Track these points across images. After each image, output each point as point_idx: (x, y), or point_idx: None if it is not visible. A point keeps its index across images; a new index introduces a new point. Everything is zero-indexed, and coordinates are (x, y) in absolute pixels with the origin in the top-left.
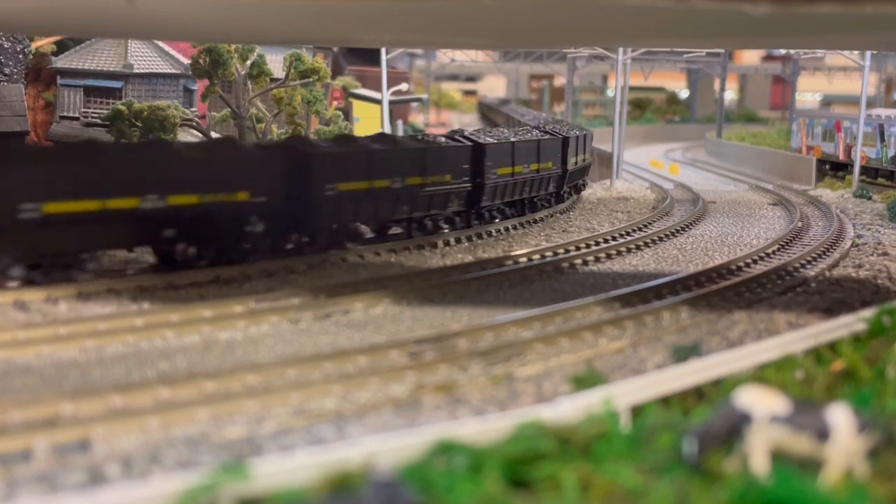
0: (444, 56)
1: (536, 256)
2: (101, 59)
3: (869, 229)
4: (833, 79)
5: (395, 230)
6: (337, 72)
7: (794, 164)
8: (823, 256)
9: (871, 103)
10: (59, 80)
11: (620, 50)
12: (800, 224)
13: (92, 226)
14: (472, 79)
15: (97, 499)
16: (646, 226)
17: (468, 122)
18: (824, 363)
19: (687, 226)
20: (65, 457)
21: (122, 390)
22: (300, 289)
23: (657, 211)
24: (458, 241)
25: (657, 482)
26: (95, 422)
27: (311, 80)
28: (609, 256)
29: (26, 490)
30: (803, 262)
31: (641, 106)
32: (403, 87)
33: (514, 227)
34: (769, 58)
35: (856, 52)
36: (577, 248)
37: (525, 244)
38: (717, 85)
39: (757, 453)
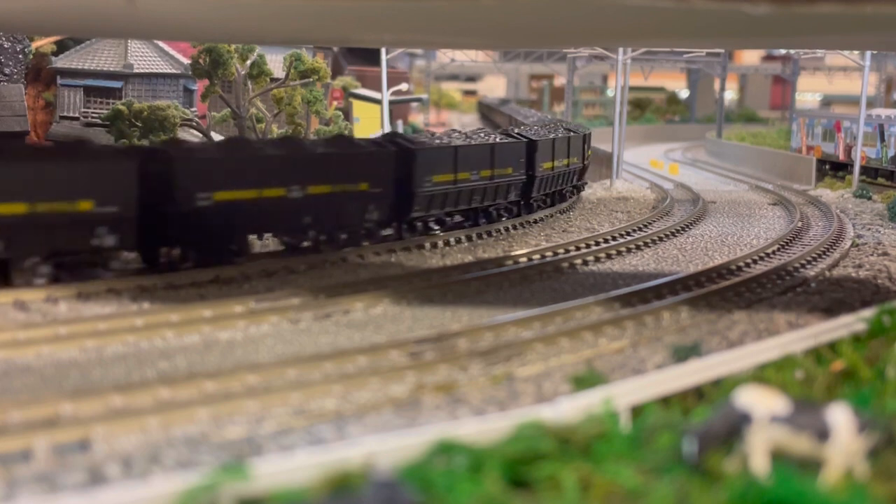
0: (444, 56)
1: (536, 256)
2: (101, 59)
3: (869, 229)
4: (833, 79)
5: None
6: (337, 72)
7: (794, 164)
8: (823, 256)
9: (871, 103)
10: (59, 80)
11: (620, 50)
12: (800, 224)
13: (249, 213)
14: (472, 79)
15: (97, 499)
16: (646, 226)
17: (468, 122)
18: (824, 363)
19: (687, 226)
20: (65, 457)
21: (122, 390)
22: (300, 289)
23: (657, 211)
24: (458, 241)
25: (657, 482)
26: (95, 422)
27: (311, 80)
28: (609, 256)
29: (26, 490)
30: (803, 262)
31: (641, 106)
32: (403, 87)
33: (514, 227)
34: (769, 58)
35: (856, 52)
36: (577, 248)
37: (525, 244)
38: (717, 85)
39: (757, 453)
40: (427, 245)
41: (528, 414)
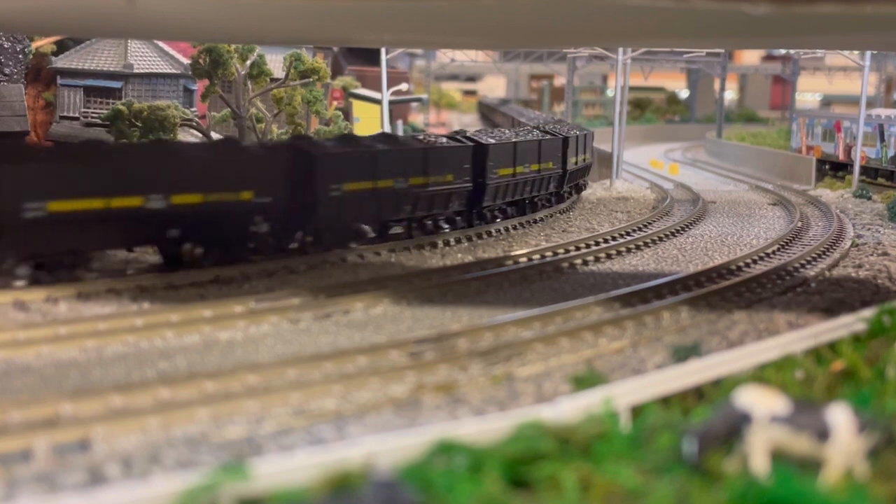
0: (444, 56)
1: (536, 256)
2: (101, 59)
3: (869, 229)
4: (833, 79)
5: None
6: (337, 72)
7: (793, 164)
8: (823, 256)
9: (871, 103)
10: (59, 80)
11: (620, 50)
12: (800, 224)
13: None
14: (472, 79)
15: (97, 499)
16: (646, 226)
17: (468, 122)
18: (824, 363)
19: (687, 226)
20: (65, 457)
21: (122, 390)
22: (300, 289)
23: (657, 211)
24: (458, 241)
25: (657, 482)
26: (95, 422)
27: (311, 80)
28: (609, 256)
29: (26, 490)
30: (803, 262)
31: (641, 106)
32: (403, 87)
33: (514, 227)
34: (769, 58)
35: (856, 52)
36: (577, 248)
37: (525, 244)
38: (717, 85)
39: (757, 453)
40: (427, 245)
41: (528, 414)
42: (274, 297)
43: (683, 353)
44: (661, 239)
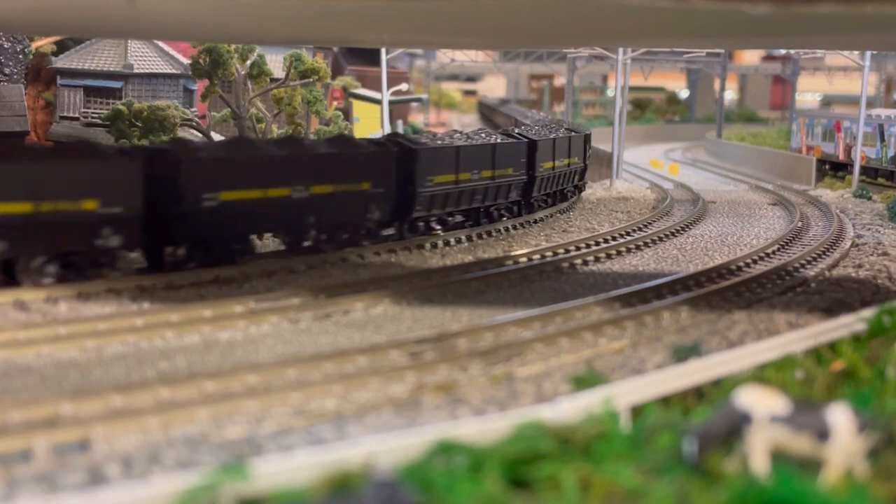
0: (444, 56)
1: (536, 256)
2: (101, 59)
3: (869, 229)
4: (833, 79)
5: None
6: (337, 72)
7: (794, 164)
8: (823, 256)
9: (871, 103)
10: (59, 80)
11: (620, 50)
12: (800, 224)
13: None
14: (472, 79)
15: (97, 499)
16: (646, 226)
17: (468, 122)
18: (824, 363)
19: (687, 226)
20: (65, 457)
21: (122, 390)
22: (300, 289)
23: (657, 211)
24: (458, 241)
25: (657, 482)
26: (95, 422)
27: (311, 80)
28: (609, 256)
29: (26, 490)
30: (803, 262)
31: (641, 106)
32: (403, 87)
33: (514, 227)
34: (769, 58)
35: (856, 52)
36: (577, 248)
37: (525, 244)
38: (717, 85)
39: (757, 453)
40: (427, 245)
41: (528, 414)
42: (274, 297)
43: (683, 353)
44: (661, 239)
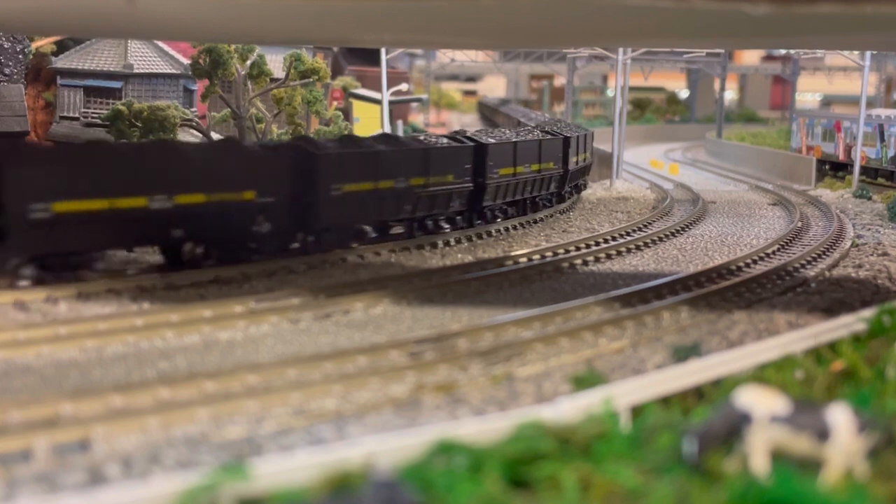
0: (444, 56)
1: (536, 256)
2: (101, 59)
3: (869, 229)
4: (833, 79)
5: None
6: (337, 72)
7: (794, 164)
8: (823, 256)
9: (871, 103)
10: (59, 80)
11: (620, 50)
12: (799, 224)
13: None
14: (472, 79)
15: (97, 499)
16: (646, 226)
17: (468, 122)
18: (824, 363)
19: (687, 226)
20: (65, 457)
21: (122, 390)
22: (300, 289)
23: (657, 211)
24: (458, 241)
25: (657, 482)
26: (95, 422)
27: (311, 80)
28: (609, 256)
29: (26, 490)
30: (803, 262)
31: (641, 106)
32: (403, 87)
33: (514, 227)
34: (769, 58)
35: (856, 52)
36: (577, 249)
37: (525, 244)
38: (717, 85)
39: (757, 453)
40: (427, 245)
41: (528, 414)
42: (274, 297)
43: (683, 353)
44: (661, 239)
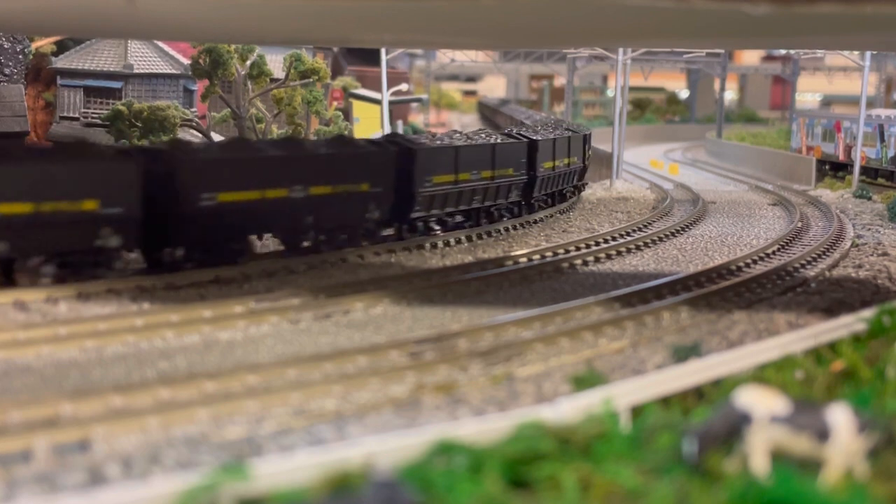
0: (444, 56)
1: (536, 257)
2: (101, 59)
3: (869, 229)
4: (833, 79)
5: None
6: (337, 72)
7: (793, 165)
8: (823, 257)
9: (871, 103)
10: (59, 81)
11: (620, 50)
12: (800, 224)
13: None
14: (472, 79)
15: (97, 499)
16: (646, 226)
17: (468, 122)
18: (824, 363)
19: (687, 226)
20: (65, 457)
21: (122, 390)
22: (300, 289)
23: (657, 211)
24: (458, 241)
25: (657, 482)
26: (95, 422)
27: (311, 80)
28: (609, 257)
29: (26, 490)
30: (803, 262)
31: (641, 106)
32: (403, 87)
33: (514, 228)
34: (769, 58)
35: (856, 52)
36: (577, 249)
37: (525, 244)
38: (717, 85)
39: (757, 453)
40: (427, 245)
41: (528, 414)
42: (274, 297)
43: (683, 354)
44: (661, 239)
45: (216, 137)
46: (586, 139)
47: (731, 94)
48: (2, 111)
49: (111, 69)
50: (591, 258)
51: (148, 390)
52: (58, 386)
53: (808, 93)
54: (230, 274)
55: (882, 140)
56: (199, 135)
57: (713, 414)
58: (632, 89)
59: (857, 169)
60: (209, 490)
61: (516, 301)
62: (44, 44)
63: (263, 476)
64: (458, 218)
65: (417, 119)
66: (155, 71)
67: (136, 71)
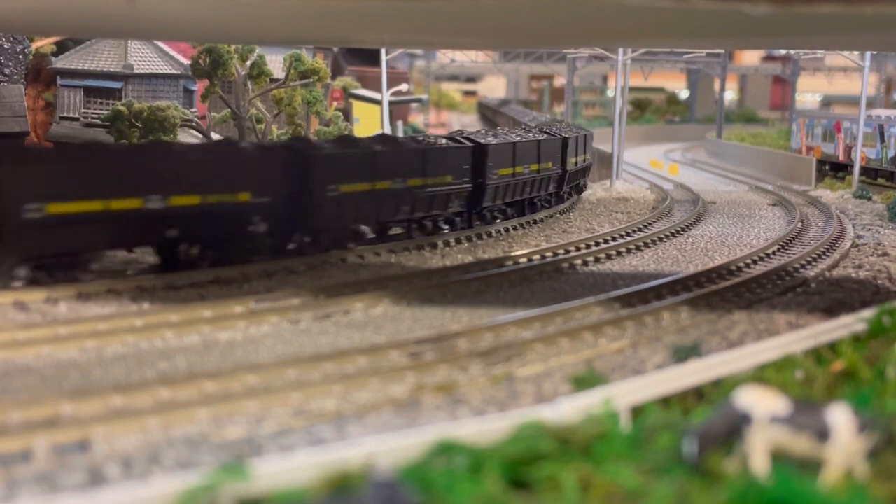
0: (444, 56)
1: (536, 257)
2: (101, 59)
3: (869, 230)
4: (833, 79)
5: None
6: (337, 72)
7: (793, 165)
8: (823, 257)
9: (871, 103)
10: (59, 81)
11: (620, 50)
12: (800, 224)
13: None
14: (472, 79)
15: (97, 499)
16: (646, 226)
17: (468, 122)
18: (824, 363)
19: (687, 226)
20: (65, 457)
21: (122, 390)
22: (300, 289)
23: (657, 211)
24: (458, 241)
25: (657, 482)
26: (95, 422)
27: (311, 80)
28: (609, 257)
29: (26, 490)
30: (803, 262)
31: (641, 106)
32: (403, 87)
33: (514, 228)
34: (769, 58)
35: (856, 53)
36: (577, 249)
37: (525, 244)
38: (717, 85)
39: (757, 453)
40: (427, 245)
41: (528, 414)
42: (274, 297)
43: (683, 354)
44: (661, 239)
45: (216, 137)
46: (566, 143)
47: (731, 95)
48: (2, 111)
49: (111, 69)
50: (591, 258)
51: (148, 390)
52: (58, 386)
53: (808, 93)
54: (230, 274)
55: (882, 140)
56: (199, 135)
57: (713, 414)
58: (632, 89)
59: (857, 169)
60: (209, 490)
61: (516, 301)
62: (44, 44)
63: (263, 476)
64: (397, 229)
65: (417, 119)
66: (155, 71)
67: (136, 71)
